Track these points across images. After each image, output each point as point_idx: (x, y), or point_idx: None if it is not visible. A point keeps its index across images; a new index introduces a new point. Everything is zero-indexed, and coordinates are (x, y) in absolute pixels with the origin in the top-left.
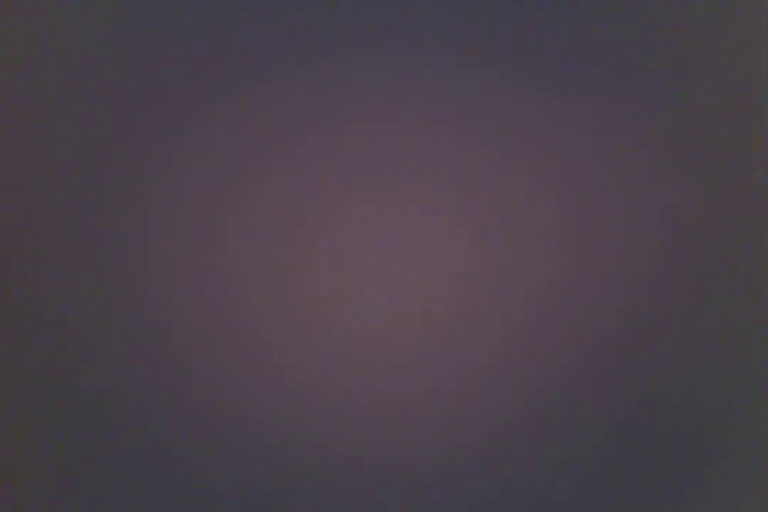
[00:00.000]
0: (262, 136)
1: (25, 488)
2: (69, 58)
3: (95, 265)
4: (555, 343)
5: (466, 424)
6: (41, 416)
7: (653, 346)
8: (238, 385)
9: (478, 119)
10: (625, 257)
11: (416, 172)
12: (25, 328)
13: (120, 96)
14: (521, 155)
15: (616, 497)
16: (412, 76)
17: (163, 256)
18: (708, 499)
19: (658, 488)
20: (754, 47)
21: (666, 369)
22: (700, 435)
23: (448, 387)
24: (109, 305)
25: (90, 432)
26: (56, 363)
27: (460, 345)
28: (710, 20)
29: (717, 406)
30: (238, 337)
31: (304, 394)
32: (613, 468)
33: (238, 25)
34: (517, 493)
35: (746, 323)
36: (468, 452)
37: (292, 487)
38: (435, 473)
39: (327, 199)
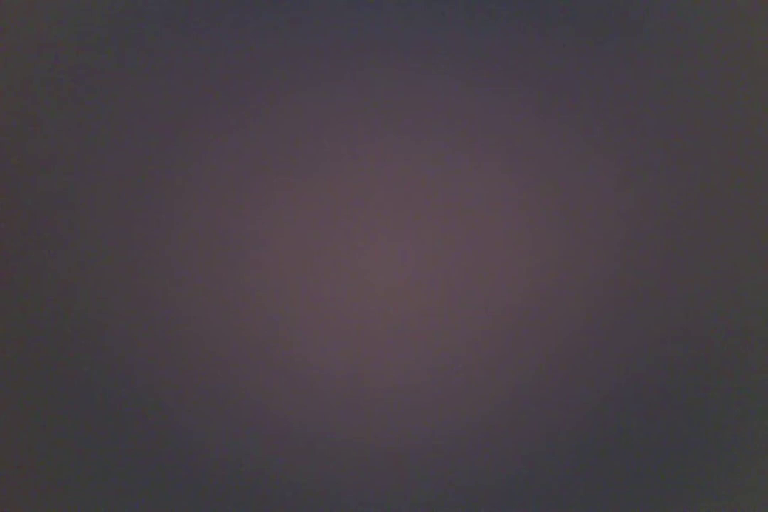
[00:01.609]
0: (278, 146)
1: (50, 474)
2: (91, 70)
3: (118, 273)
4: (549, 335)
5: (464, 414)
6: (58, 412)
7: (641, 339)
8: (250, 376)
9: (481, 132)
10: (612, 255)
11: (419, 182)
12: (41, 322)
13: (148, 107)
14: (521, 164)
15: (607, 485)
16: (417, 89)
17: (183, 259)
18: (697, 497)
19: (648, 478)
20: (753, 46)
21: (660, 366)
22: (692, 433)
23: (447, 378)
24: (136, 312)
25: (106, 424)
26: (75, 361)
27: (457, 339)
28: (705, 20)
29: (708, 406)
30: (253, 331)
31: (311, 388)
32: (603, 456)
33: (261, 40)
34: (516, 481)
35: (743, 323)
36: (467, 440)
37: (298, 474)
38: (435, 461)
39: (333, 204)
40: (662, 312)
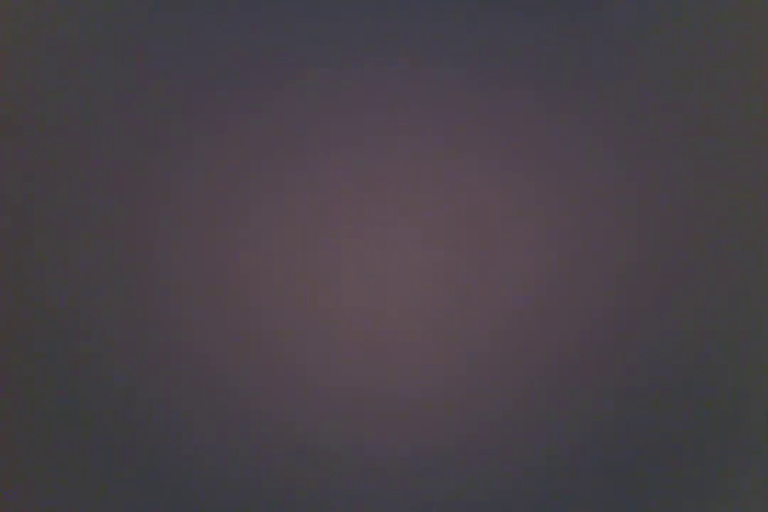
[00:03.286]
0: (274, 144)
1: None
2: (86, 68)
3: (109, 275)
4: (551, 337)
5: (466, 418)
6: (53, 413)
7: (646, 339)
8: (246, 380)
9: (481, 130)
10: (621, 253)
11: (417, 179)
12: (37, 325)
13: (139, 104)
14: (521, 162)
15: (612, 489)
16: (416, 86)
17: (175, 258)
18: (700, 497)
19: (652, 481)
20: (754, 47)
21: (662, 365)
22: (695, 433)
23: (447, 381)
24: (129, 314)
25: (100, 427)
26: (67, 362)
27: (459, 341)
28: (706, 19)
29: (709, 405)
30: (246, 334)
31: (311, 389)
32: (606, 461)
33: (251, 37)
34: (517, 484)
35: (742, 324)
36: (468, 445)
37: (301, 482)
38: (443, 468)
39: (331, 204)
40: (671, 312)
